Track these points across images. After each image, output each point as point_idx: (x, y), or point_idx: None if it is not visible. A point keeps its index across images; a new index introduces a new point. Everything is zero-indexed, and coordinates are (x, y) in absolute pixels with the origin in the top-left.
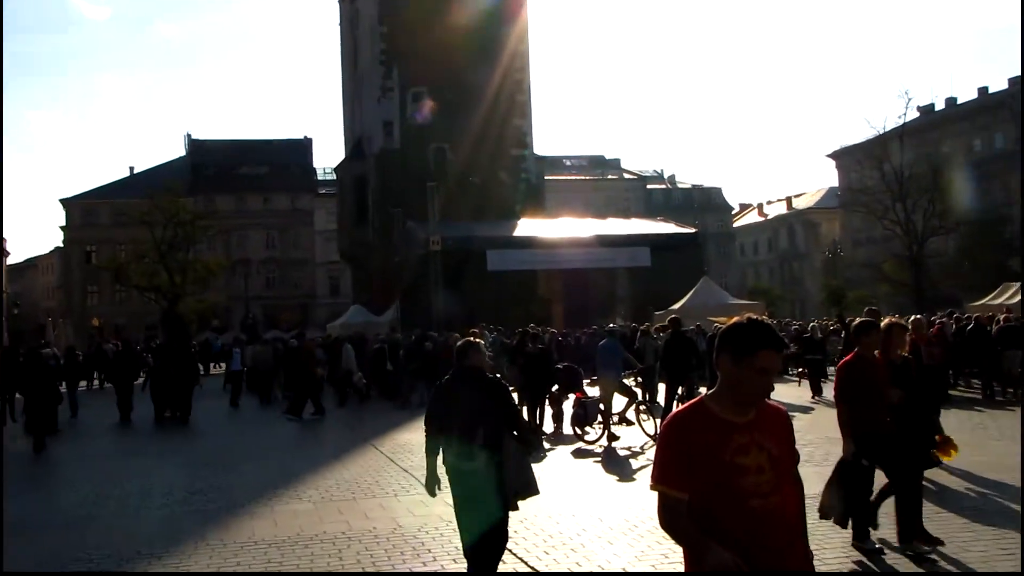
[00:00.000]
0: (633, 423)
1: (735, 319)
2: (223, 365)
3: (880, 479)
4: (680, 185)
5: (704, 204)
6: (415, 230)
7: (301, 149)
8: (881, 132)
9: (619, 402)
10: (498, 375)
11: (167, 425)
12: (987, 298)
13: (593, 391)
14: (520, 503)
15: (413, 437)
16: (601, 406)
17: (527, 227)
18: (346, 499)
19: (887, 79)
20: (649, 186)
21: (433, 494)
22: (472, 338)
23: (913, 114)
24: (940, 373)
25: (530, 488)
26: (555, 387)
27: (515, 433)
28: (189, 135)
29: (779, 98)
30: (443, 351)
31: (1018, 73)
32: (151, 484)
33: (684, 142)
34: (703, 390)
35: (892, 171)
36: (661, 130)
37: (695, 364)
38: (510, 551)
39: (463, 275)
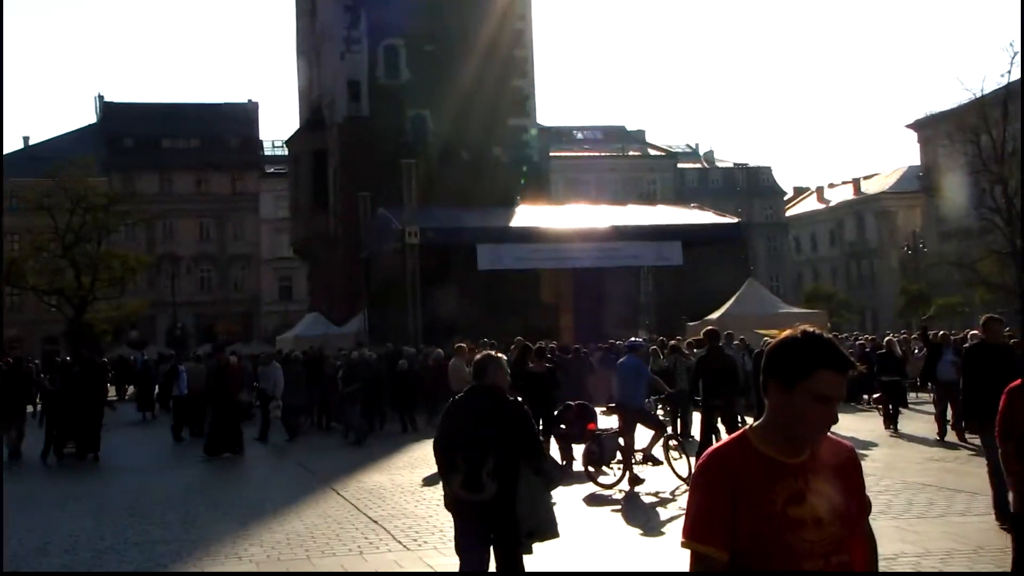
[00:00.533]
0: (661, 462)
1: (787, 332)
2: (155, 388)
3: None
4: (720, 164)
5: (750, 187)
6: (387, 219)
7: (244, 117)
8: (978, 96)
9: (643, 436)
10: (519, 398)
11: (70, 464)
12: None
13: (610, 422)
14: (535, 546)
15: (385, 479)
16: (620, 441)
17: (528, 216)
18: (298, 558)
19: (985, 28)
20: (681, 165)
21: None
22: (493, 352)
23: (1020, 73)
24: None
25: (547, 529)
26: (562, 424)
27: (533, 464)
28: (101, 97)
29: (844, 54)
30: (423, 371)
31: None
32: (49, 539)
33: (724, 109)
34: (748, 421)
35: (991, 144)
36: (695, 95)
37: (738, 388)
38: None
39: (447, 276)
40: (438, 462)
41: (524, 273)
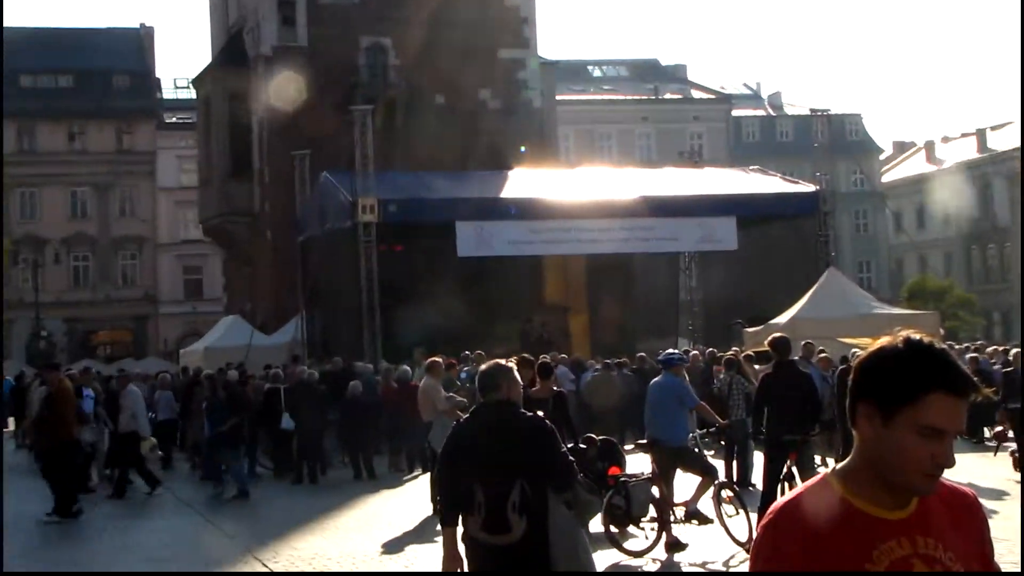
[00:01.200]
0: (710, 520)
1: (884, 341)
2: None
3: None
4: (790, 110)
5: (833, 143)
6: (333, 188)
7: (133, 46)
8: None
9: (686, 484)
10: (539, 413)
11: None
12: None
13: (641, 464)
14: None
15: (329, 546)
16: (655, 491)
17: (526, 183)
18: None
19: None
20: (736, 112)
21: None
22: (503, 361)
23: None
24: None
25: (586, 573)
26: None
27: (565, 493)
28: None
29: None
30: (383, 396)
31: None
32: None
33: (794, 39)
34: (831, 463)
35: None
36: (754, 16)
37: (816, 418)
38: None
39: (416, 266)
40: (444, 498)
41: (521, 262)
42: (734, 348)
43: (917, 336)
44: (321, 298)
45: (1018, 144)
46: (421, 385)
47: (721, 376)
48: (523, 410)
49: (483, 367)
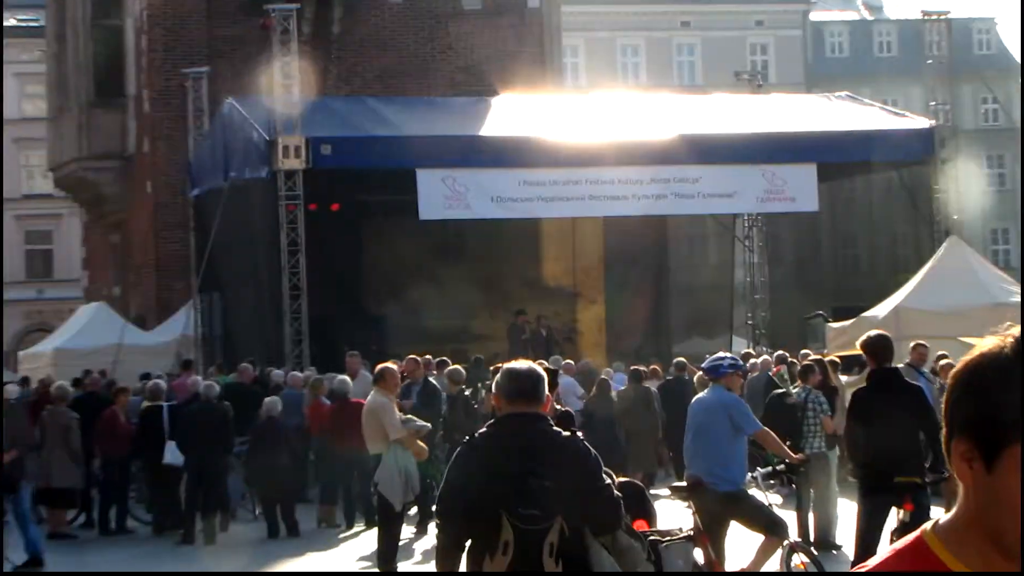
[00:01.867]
0: None
1: (984, 344)
2: None
3: None
4: (892, 14)
5: (954, 59)
6: (242, 122)
7: None
8: None
9: (743, 541)
10: (576, 432)
11: None
12: None
13: (678, 514)
14: None
15: None
16: (697, 555)
17: (516, 115)
18: None
19: None
20: (817, 16)
21: None
22: (520, 363)
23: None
24: None
25: None
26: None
27: (608, 533)
28: None
29: None
30: (311, 418)
31: None
32: None
33: None
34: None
35: None
36: None
37: (934, 450)
38: None
39: (359, 232)
40: (451, 534)
41: (510, 229)
42: (812, 351)
43: None
44: (224, 279)
45: None
46: (367, 403)
47: (794, 391)
48: (553, 426)
49: (515, 367)
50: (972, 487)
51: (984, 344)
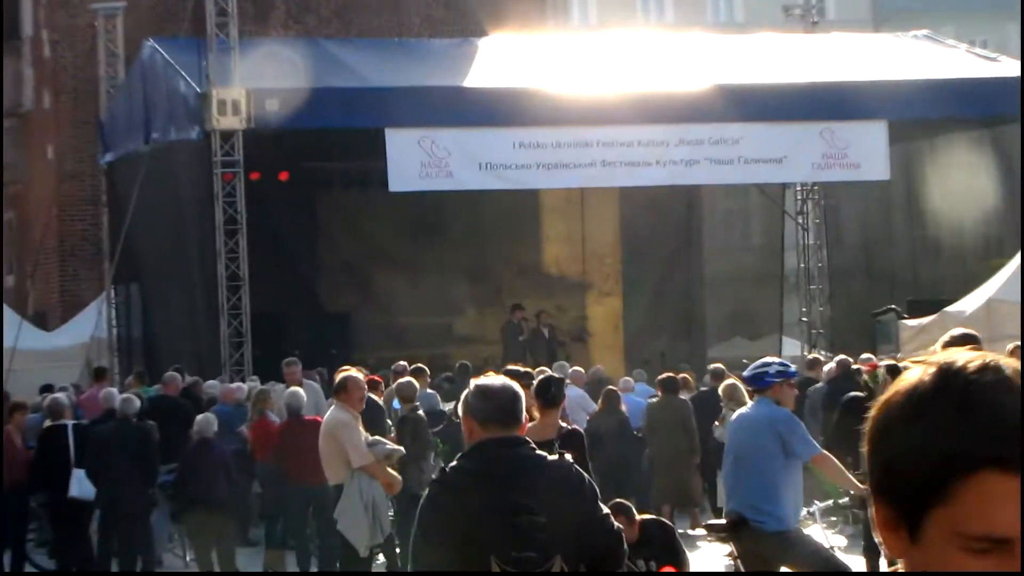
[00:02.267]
0: None
1: (908, 378)
2: None
3: None
4: None
5: None
6: (167, 70)
7: None
8: None
9: None
10: (567, 458)
11: None
12: None
13: (715, 557)
14: None
15: None
16: None
17: (510, 62)
18: None
19: None
20: None
21: None
22: (506, 377)
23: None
24: None
25: None
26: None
27: (611, 571)
28: None
29: None
30: (254, 442)
31: None
32: None
33: None
34: None
35: None
36: None
37: None
38: None
39: (314, 208)
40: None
41: (504, 203)
42: (882, 355)
43: (965, 358)
44: (145, 266)
45: None
46: (325, 422)
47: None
48: (541, 453)
49: (487, 383)
50: (905, 560)
51: (902, 379)
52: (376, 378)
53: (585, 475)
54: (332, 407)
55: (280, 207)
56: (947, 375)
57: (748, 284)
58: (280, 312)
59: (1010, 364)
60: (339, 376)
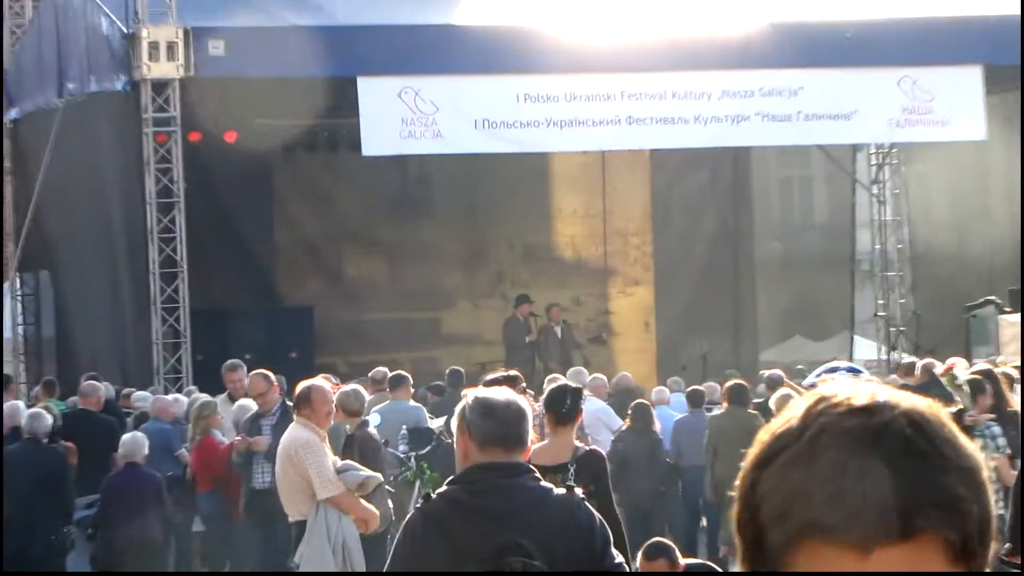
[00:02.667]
0: None
1: (781, 420)
2: None
3: None
4: None
5: None
6: (84, 3)
7: None
8: None
9: None
10: (577, 493)
11: None
12: None
13: None
14: None
15: None
16: None
17: None
18: None
19: None
20: None
21: None
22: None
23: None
24: None
25: None
26: None
27: None
28: None
29: None
30: (205, 462)
31: None
32: None
33: None
34: None
35: None
36: None
37: None
38: None
39: (270, 178)
40: None
41: (505, 170)
42: (977, 359)
43: (846, 394)
44: (58, 249)
45: None
46: (283, 443)
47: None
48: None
49: (490, 397)
50: None
51: (776, 420)
52: (344, 386)
53: (596, 514)
54: (292, 425)
55: (227, 176)
56: (808, 415)
57: (810, 270)
58: (227, 306)
59: (907, 406)
60: (301, 386)
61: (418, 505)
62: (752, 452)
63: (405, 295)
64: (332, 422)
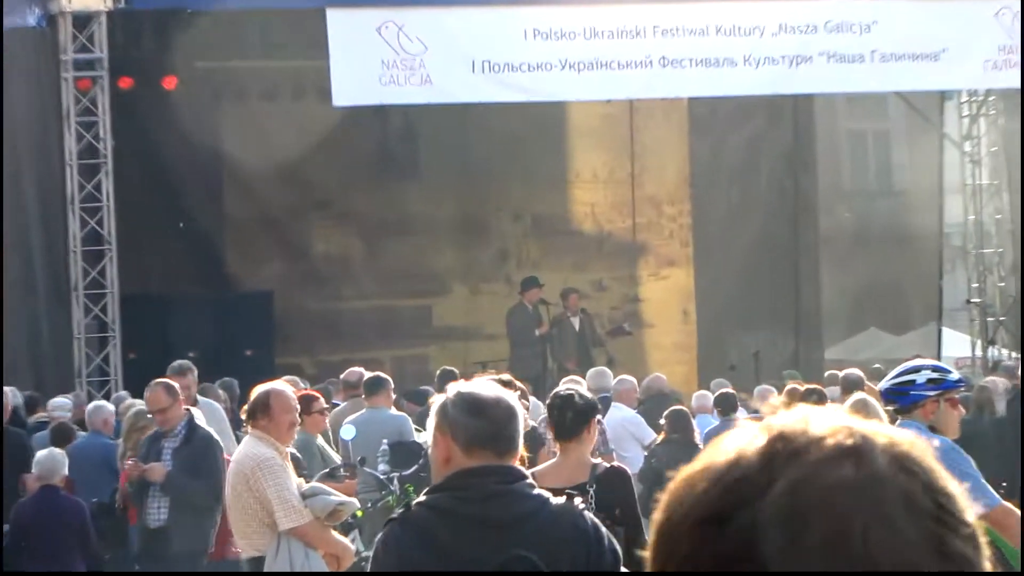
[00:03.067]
0: None
1: (725, 449)
2: None
3: None
4: None
5: None
6: None
7: None
8: None
9: None
10: (577, 503)
11: None
12: None
13: None
14: None
15: None
16: None
17: None
18: None
19: None
20: None
21: None
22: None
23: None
24: None
25: None
26: None
27: None
28: None
29: None
30: (124, 496)
31: None
32: None
33: None
34: None
35: None
36: None
37: None
38: None
39: (218, 133)
40: None
41: (508, 122)
42: None
43: (825, 430)
44: None
45: None
46: (234, 461)
47: None
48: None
49: (476, 392)
50: None
51: (710, 457)
52: (313, 393)
53: (602, 528)
54: (246, 439)
55: (166, 132)
56: (771, 457)
57: (888, 247)
58: (166, 292)
59: (887, 443)
60: (257, 391)
61: (393, 517)
62: (683, 500)
63: (386, 278)
64: (297, 435)
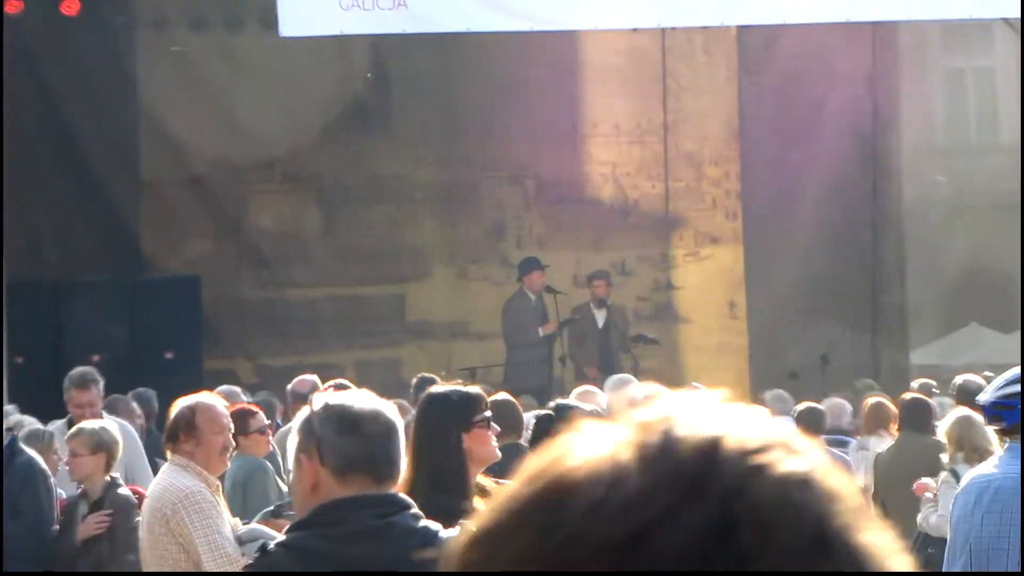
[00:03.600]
0: None
1: (583, 458)
2: None
3: None
4: None
5: None
6: None
7: None
8: None
9: None
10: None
11: None
12: None
13: None
14: None
15: None
16: None
17: None
18: None
19: None
20: None
21: None
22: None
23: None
24: None
25: None
26: None
27: None
28: None
29: None
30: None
31: None
32: None
33: None
34: None
35: None
36: None
37: None
38: None
39: (133, 76)
40: None
41: (501, 58)
42: None
43: (737, 436)
44: None
45: None
46: (152, 495)
47: None
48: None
49: (346, 404)
50: None
51: (576, 456)
52: (251, 407)
53: None
54: (165, 467)
55: (65, 69)
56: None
57: (992, 219)
58: (63, 279)
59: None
60: (179, 405)
61: (249, 563)
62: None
63: (347, 259)
64: (230, 463)
